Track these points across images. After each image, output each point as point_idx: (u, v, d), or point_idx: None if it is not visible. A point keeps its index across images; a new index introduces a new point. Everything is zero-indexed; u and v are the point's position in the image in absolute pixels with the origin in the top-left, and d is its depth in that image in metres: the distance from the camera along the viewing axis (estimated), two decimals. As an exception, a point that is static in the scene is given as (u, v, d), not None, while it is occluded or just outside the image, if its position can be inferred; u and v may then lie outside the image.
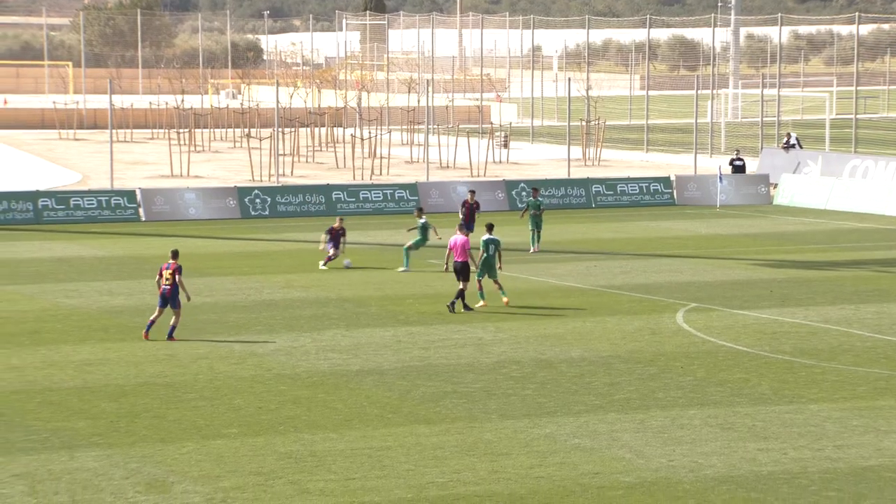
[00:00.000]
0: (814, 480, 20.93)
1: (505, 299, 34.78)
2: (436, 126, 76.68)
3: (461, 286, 34.14)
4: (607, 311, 34.50)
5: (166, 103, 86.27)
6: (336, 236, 41.19)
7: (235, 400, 25.71)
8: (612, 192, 58.34)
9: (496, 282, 34.85)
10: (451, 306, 34.12)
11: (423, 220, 40.39)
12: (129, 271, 40.41)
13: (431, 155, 67.95)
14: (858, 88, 73.83)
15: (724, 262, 41.55)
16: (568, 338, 31.29)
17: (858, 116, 71.08)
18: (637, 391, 26.37)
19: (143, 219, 52.51)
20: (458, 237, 34.65)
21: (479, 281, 34.81)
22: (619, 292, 36.94)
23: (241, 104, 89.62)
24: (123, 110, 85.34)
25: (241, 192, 54.74)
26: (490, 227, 35.28)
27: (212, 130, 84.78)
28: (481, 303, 34.76)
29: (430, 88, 71.29)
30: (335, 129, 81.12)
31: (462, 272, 34.15)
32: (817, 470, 21.43)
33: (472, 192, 45.42)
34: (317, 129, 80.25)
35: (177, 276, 30.47)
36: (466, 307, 34.19)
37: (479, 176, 65.94)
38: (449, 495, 20.24)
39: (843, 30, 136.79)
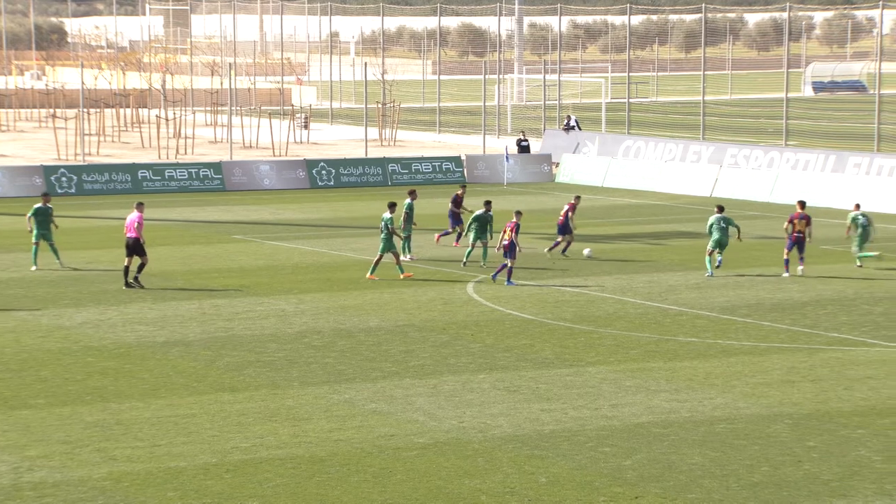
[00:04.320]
0: (591, 437, 21.38)
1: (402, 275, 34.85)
2: (238, 108, 75.96)
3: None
4: (403, 282, 34.66)
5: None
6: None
7: (42, 371, 25.20)
8: (407, 171, 58.65)
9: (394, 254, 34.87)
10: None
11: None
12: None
13: (235, 135, 67.33)
14: (631, 74, 75.24)
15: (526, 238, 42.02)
16: (366, 308, 31.37)
17: (631, 100, 72.47)
18: (431, 357, 26.58)
19: (-48, 197, 51.03)
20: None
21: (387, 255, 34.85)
22: (415, 265, 37.12)
23: (46, 85, 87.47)
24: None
25: (48, 171, 53.52)
26: (392, 206, 35.26)
27: (16, 111, 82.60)
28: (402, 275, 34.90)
29: (232, 71, 70.57)
30: (140, 110, 79.79)
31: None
32: (594, 427, 21.90)
33: (464, 186, 43.22)
34: (122, 110, 78.82)
35: None
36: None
37: (280, 155, 65.58)
38: (252, 459, 20.17)
39: (617, 20, 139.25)
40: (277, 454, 20.42)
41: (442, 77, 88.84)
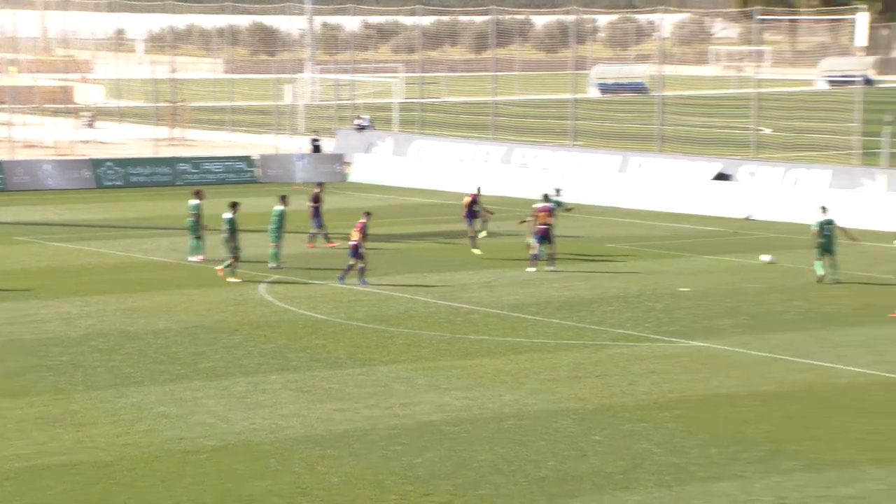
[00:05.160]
0: (383, 436, 21.44)
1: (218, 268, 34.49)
2: (20, 105, 74.07)
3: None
4: (193, 283, 34.25)
5: None
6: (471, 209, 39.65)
7: None
8: (197, 171, 57.96)
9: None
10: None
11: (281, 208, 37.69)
12: None
13: (16, 133, 65.64)
14: (423, 75, 75.70)
15: (303, 236, 41.83)
16: (154, 310, 30.90)
17: (423, 100, 72.91)
18: (222, 359, 26.32)
19: None
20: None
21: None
22: (207, 266, 36.70)
23: None
24: None
25: None
26: (233, 205, 34.81)
27: None
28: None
29: (12, 67, 68.78)
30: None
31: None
32: (386, 426, 21.97)
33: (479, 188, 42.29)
34: None
35: None
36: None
37: (65, 154, 64.17)
38: (33, 466, 19.69)
39: (408, 20, 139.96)
40: (60, 460, 19.97)
41: (233, 76, 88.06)
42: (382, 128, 70.76)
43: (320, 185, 42.67)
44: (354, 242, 34.14)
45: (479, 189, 40.78)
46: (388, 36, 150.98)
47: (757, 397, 23.92)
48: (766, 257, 38.24)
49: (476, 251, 38.84)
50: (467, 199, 40.07)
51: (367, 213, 34.99)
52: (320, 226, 40.79)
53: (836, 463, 20.21)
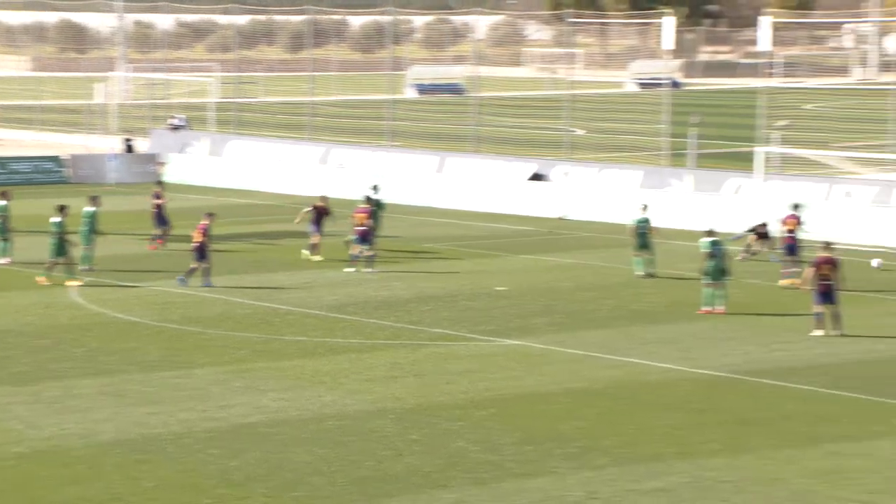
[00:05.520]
0: (199, 439, 21.25)
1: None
2: None
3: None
4: (0, 286, 33.48)
5: None
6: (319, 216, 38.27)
7: None
8: (3, 171, 56.64)
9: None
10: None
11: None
12: None
13: None
14: (239, 74, 75.16)
15: (117, 238, 41.18)
16: (-39, 314, 30.12)
17: (239, 100, 72.37)
18: (31, 364, 25.79)
19: None
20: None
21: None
22: (13, 269, 35.88)
23: None
24: None
25: None
26: (61, 209, 33.70)
27: None
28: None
29: None
30: None
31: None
32: (202, 429, 21.77)
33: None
34: None
35: None
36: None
37: None
38: None
39: (223, 19, 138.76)
40: None
41: (41, 74, 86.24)
42: (198, 128, 70.01)
43: (160, 184, 42.37)
44: (197, 244, 33.79)
45: (325, 198, 40.23)
46: (202, 35, 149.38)
47: (570, 394, 24.32)
48: (876, 262, 37.38)
49: (316, 258, 38.28)
50: (309, 210, 39.20)
51: (210, 214, 34.74)
52: (164, 225, 40.42)
53: (644, 457, 20.67)
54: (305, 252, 38.63)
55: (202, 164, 59.69)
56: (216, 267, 36.88)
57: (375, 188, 41.08)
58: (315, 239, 38.59)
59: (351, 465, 20.16)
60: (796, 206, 36.06)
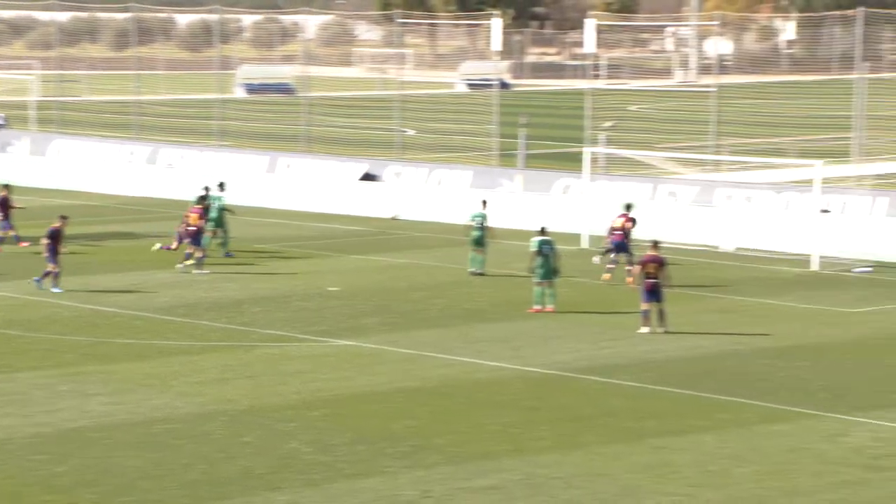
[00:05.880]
0: (22, 445, 20.81)
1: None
2: None
3: None
4: None
5: None
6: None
7: None
8: None
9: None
10: None
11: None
12: None
13: None
14: (61, 72, 73.79)
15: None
16: None
17: (62, 99, 71.01)
18: None
19: None
20: None
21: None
22: None
23: None
24: None
25: None
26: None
27: None
28: None
29: None
30: None
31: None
32: (25, 435, 21.33)
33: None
34: None
35: None
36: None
37: None
38: None
39: (43, 16, 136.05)
40: None
41: None
42: (18, 126, 68.53)
43: (6, 187, 41.49)
44: (46, 245, 33.11)
45: (63, 219, 39.79)
46: (21, 32, 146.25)
47: (403, 394, 24.40)
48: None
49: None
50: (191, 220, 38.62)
51: (63, 217, 34.03)
52: (9, 227, 39.80)
53: (476, 455, 20.84)
54: (157, 245, 38.58)
55: (23, 164, 58.44)
56: (40, 268, 36.17)
57: (222, 186, 40.60)
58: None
59: (182, 469, 19.94)
60: (628, 206, 36.72)
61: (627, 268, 35.08)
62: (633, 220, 36.05)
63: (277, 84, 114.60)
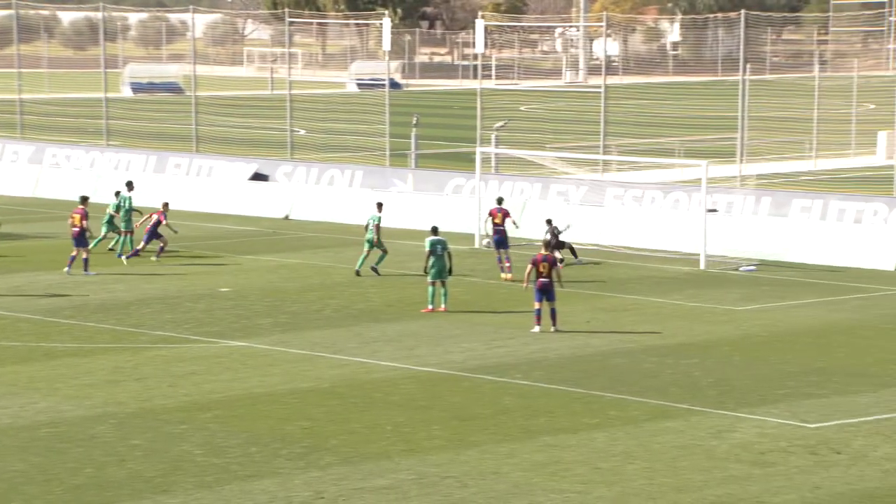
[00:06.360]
0: None
1: None
2: None
3: None
4: None
5: None
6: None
7: None
8: None
9: None
10: None
11: None
12: None
13: None
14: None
15: None
16: None
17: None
18: None
19: None
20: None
21: None
22: None
23: None
24: None
25: None
26: None
27: None
28: None
29: None
30: None
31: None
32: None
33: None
34: None
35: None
36: None
37: None
38: None
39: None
40: None
41: None
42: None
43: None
44: None
45: (166, 205, 39.16)
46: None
47: (296, 394, 24.28)
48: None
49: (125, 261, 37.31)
50: (153, 217, 38.13)
51: None
52: None
53: (371, 455, 20.80)
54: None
55: None
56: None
57: (130, 185, 40.09)
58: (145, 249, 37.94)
59: (68, 473, 19.65)
60: (500, 200, 37.49)
61: (507, 263, 35.52)
62: (504, 213, 36.74)
63: (165, 83, 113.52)
